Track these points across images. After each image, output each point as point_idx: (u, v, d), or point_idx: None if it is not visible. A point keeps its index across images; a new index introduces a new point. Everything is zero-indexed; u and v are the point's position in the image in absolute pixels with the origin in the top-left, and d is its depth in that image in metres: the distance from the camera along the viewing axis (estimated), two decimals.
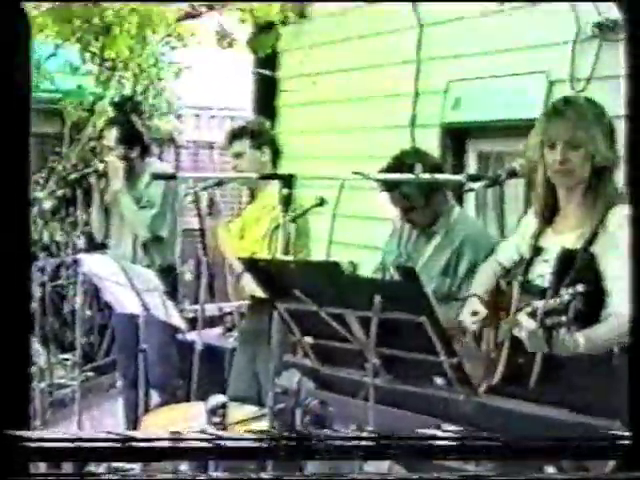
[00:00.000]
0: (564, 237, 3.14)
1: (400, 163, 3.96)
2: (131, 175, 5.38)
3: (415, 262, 4.03)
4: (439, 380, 2.67)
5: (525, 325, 2.82)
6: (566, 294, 2.66)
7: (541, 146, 3.14)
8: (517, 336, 2.95)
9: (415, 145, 5.64)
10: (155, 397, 5.30)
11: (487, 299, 3.31)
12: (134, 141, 5.47)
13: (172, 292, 4.45)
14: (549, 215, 3.25)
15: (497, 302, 3.27)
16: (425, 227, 4.09)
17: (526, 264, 3.20)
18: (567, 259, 3.05)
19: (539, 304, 2.73)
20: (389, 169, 3.97)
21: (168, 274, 5.26)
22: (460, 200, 5.49)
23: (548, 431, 2.65)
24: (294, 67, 6.96)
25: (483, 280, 3.44)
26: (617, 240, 2.99)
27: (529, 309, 2.80)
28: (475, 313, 3.24)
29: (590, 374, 2.97)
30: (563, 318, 2.65)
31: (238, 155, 4.71)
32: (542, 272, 3.13)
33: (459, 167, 5.65)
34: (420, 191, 3.92)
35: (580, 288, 2.67)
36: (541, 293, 2.99)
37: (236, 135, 4.75)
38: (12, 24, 2.23)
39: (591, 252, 3.03)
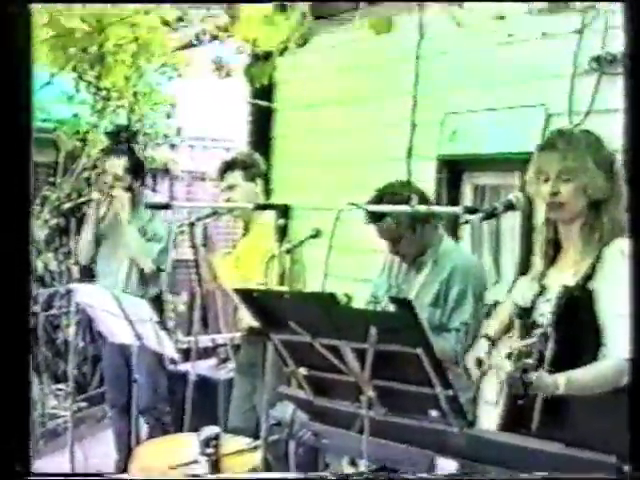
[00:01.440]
0: (564, 275, 3.11)
1: (386, 194, 4.01)
2: (135, 206, 5.43)
3: (406, 294, 4.04)
4: (434, 412, 2.65)
5: (502, 367, 2.83)
6: (534, 335, 2.68)
7: (536, 180, 3.15)
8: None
9: (410, 177, 5.72)
10: (144, 426, 5.30)
11: (496, 339, 3.29)
12: (139, 171, 5.55)
13: (162, 322, 4.46)
14: (552, 253, 3.23)
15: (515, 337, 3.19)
16: (414, 258, 4.12)
17: (531, 304, 3.15)
18: (566, 297, 3.02)
19: (515, 345, 2.73)
20: (376, 200, 4.01)
21: (158, 304, 5.28)
22: (455, 233, 5.56)
23: (544, 465, 2.64)
24: (290, 98, 7.01)
25: (499, 319, 3.38)
26: (614, 276, 2.97)
27: (508, 351, 2.80)
28: (480, 362, 3.20)
29: (590, 412, 2.94)
30: (529, 360, 2.67)
31: (231, 187, 4.74)
32: (544, 311, 3.09)
33: (455, 199, 5.68)
34: (407, 222, 3.96)
35: (549, 329, 2.70)
36: (541, 335, 2.95)
37: (228, 167, 4.78)
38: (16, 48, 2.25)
39: (589, 289, 3.00)
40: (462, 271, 4.01)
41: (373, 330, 2.59)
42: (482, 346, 3.28)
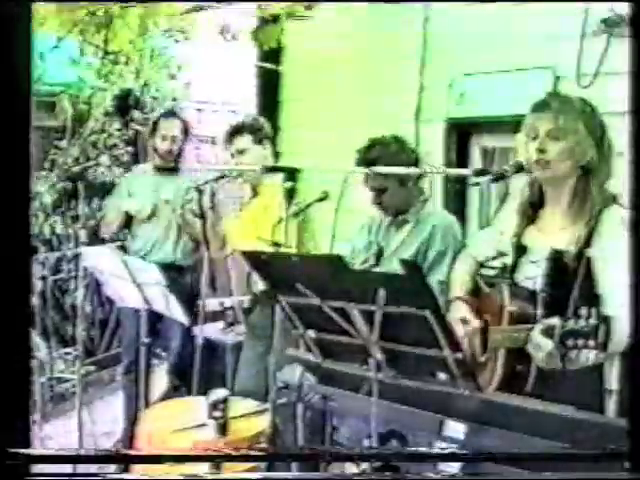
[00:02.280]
0: (553, 237, 3.10)
1: (377, 144, 4.11)
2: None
3: (384, 250, 4.12)
4: (442, 375, 2.65)
5: (542, 345, 2.79)
6: (591, 317, 2.61)
7: (526, 138, 3.14)
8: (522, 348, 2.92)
9: (419, 139, 5.69)
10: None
11: (471, 302, 3.27)
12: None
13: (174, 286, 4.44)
14: (532, 212, 3.22)
15: (482, 304, 3.22)
16: (395, 215, 4.17)
17: (511, 264, 3.15)
18: (559, 261, 3.02)
19: (555, 322, 2.68)
20: (366, 149, 4.10)
21: (171, 268, 5.28)
22: (463, 195, 5.54)
23: (553, 428, 2.63)
24: (298, 61, 6.95)
25: (463, 279, 3.39)
26: (613, 244, 2.96)
27: (543, 327, 2.77)
28: (465, 321, 3.18)
29: (581, 374, 2.92)
30: (591, 342, 2.61)
31: (241, 151, 4.73)
32: (531, 274, 3.09)
33: (463, 162, 5.66)
34: (396, 175, 3.96)
35: (603, 311, 2.64)
36: (530, 296, 2.98)
37: (237, 131, 4.78)
38: (14, 16, 2.23)
39: (587, 255, 2.98)
40: (442, 232, 4.08)
41: (381, 292, 2.58)
42: (460, 308, 3.24)
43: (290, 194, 3.63)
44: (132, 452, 2.25)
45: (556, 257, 3.02)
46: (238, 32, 7.76)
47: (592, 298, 2.92)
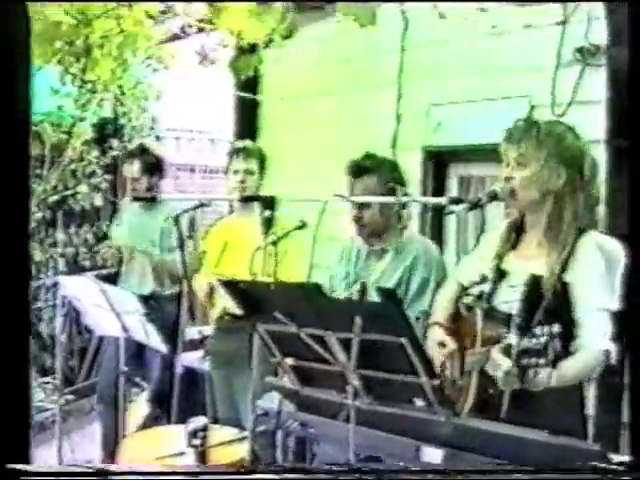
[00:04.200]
0: (531, 263, 3.12)
1: (363, 159, 4.14)
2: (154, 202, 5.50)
3: (366, 280, 4.10)
4: (419, 401, 2.68)
5: (499, 363, 2.82)
6: (542, 335, 2.65)
7: (502, 167, 3.18)
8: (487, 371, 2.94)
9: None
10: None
11: (449, 326, 3.28)
12: (155, 170, 5.59)
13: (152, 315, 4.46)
14: (514, 238, 3.25)
15: (460, 328, 3.24)
16: (375, 244, 4.16)
17: (490, 289, 3.17)
18: (536, 287, 3.04)
19: (513, 340, 2.70)
20: (353, 164, 4.12)
21: (149, 297, 5.31)
22: (440, 224, 5.58)
23: (529, 453, 2.66)
24: (275, 90, 7.01)
25: (444, 305, 3.40)
26: (590, 270, 3.01)
27: (502, 345, 2.79)
28: (442, 344, 3.19)
29: (560, 402, 3.00)
30: (542, 360, 2.64)
31: (248, 172, 4.76)
32: (508, 299, 3.10)
33: (440, 190, 5.70)
34: (371, 206, 4.02)
35: (556, 328, 2.65)
36: (506, 320, 2.98)
37: (249, 153, 4.81)
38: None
39: (563, 281, 3.02)
40: (425, 260, 4.06)
41: (358, 320, 2.61)
42: (438, 332, 3.25)
43: (267, 223, 3.66)
44: (127, 468, 2.27)
45: (533, 282, 3.05)
46: (216, 61, 7.80)
47: (569, 323, 2.96)
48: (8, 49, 2.27)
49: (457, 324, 3.30)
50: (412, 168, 5.70)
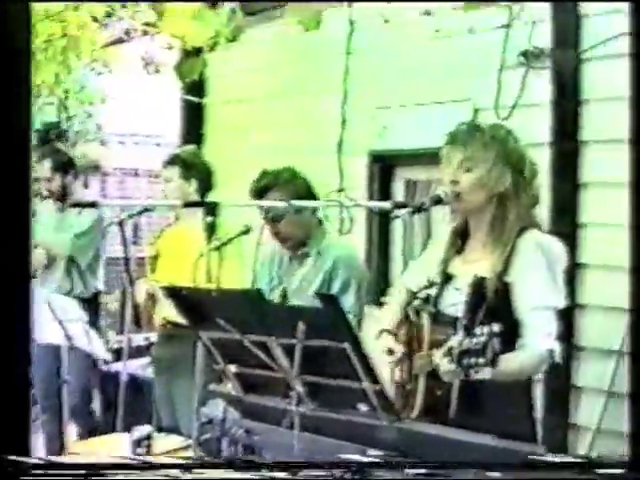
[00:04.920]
0: (475, 265, 3.15)
1: (269, 175, 4.19)
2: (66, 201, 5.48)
3: (288, 285, 4.18)
4: (363, 407, 2.70)
5: (441, 366, 2.84)
6: (482, 334, 2.67)
7: (444, 170, 3.20)
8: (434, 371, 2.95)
9: (342, 172, 5.76)
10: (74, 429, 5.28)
11: (399, 331, 3.28)
12: (68, 168, 5.57)
13: (95, 322, 4.44)
14: (460, 242, 3.28)
15: (408, 333, 3.24)
16: (296, 249, 4.23)
17: (436, 293, 3.21)
18: (480, 288, 3.07)
19: (454, 342, 2.73)
20: (258, 179, 4.18)
21: (92, 303, 5.28)
22: (387, 228, 5.60)
23: (474, 457, 2.68)
24: (221, 93, 6.98)
25: (392, 311, 3.40)
26: (530, 269, 3.05)
27: (444, 348, 2.81)
28: (390, 352, 3.18)
29: (507, 401, 3.04)
30: (481, 360, 2.66)
31: (167, 181, 4.82)
32: (454, 301, 3.14)
33: (387, 194, 5.73)
34: (284, 209, 4.02)
35: (496, 328, 2.67)
36: (453, 323, 3.01)
37: (169, 162, 4.86)
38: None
39: (505, 281, 3.05)
40: (345, 262, 4.14)
41: (301, 326, 2.63)
42: (386, 339, 3.25)
43: (210, 229, 3.65)
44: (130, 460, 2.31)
45: (477, 284, 3.08)
46: (161, 65, 7.76)
47: (512, 323, 3.01)
48: (8, 49, 2.26)
49: (406, 329, 3.30)
50: (358, 172, 5.78)
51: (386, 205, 3.43)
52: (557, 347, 3.04)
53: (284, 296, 4.13)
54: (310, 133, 6.08)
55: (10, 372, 2.23)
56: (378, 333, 3.32)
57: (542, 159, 4.46)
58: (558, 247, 3.13)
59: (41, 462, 2.29)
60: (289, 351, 2.70)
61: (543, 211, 4.31)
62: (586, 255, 4.49)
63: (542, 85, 4.69)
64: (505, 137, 3.19)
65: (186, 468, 2.43)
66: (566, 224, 4.50)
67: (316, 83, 6.06)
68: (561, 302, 3.09)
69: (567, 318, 4.29)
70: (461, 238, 3.28)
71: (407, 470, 2.55)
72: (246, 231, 3.96)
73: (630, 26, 3.29)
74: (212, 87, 7.12)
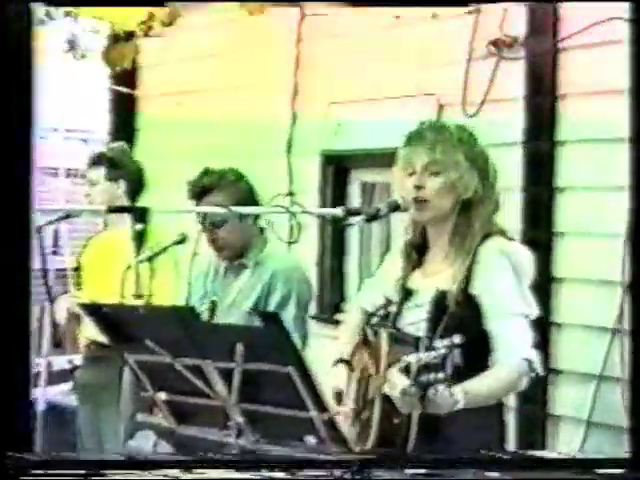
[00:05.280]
0: (436, 279, 3.18)
1: (208, 175, 4.22)
2: None
3: (223, 300, 4.18)
4: (311, 439, 2.70)
5: (396, 383, 2.83)
6: (441, 347, 2.69)
7: (402, 175, 3.22)
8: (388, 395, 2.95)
9: (292, 174, 5.77)
10: None
11: (353, 357, 3.29)
12: None
13: None
14: (417, 255, 3.30)
15: (365, 357, 3.24)
16: (233, 259, 4.24)
17: (396, 310, 3.23)
18: (443, 303, 3.10)
19: (412, 358, 2.73)
20: (197, 180, 4.20)
21: None
22: (342, 236, 5.62)
23: None
24: (157, 84, 6.96)
25: (349, 335, 3.40)
26: (496, 276, 3.09)
27: (401, 364, 2.79)
28: (339, 396, 3.17)
29: (475, 429, 3.04)
30: (440, 375, 2.67)
31: (92, 184, 4.78)
32: (415, 319, 3.17)
33: (342, 198, 5.76)
34: (226, 214, 4.01)
35: (457, 339, 2.68)
36: (415, 343, 2.99)
37: (94, 162, 4.84)
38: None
39: (469, 293, 3.09)
40: (285, 274, 4.16)
41: (240, 347, 2.64)
42: (339, 374, 3.25)
43: (140, 237, 3.64)
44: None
45: (439, 298, 3.12)
46: (87, 50, 7.72)
47: (481, 339, 3.06)
48: (9, 50, 2.35)
49: (363, 352, 3.31)
50: (309, 174, 5.82)
51: (337, 212, 3.44)
52: (535, 356, 3.08)
53: (212, 311, 4.12)
54: (256, 130, 6.08)
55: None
56: (333, 363, 3.34)
57: (513, 160, 4.56)
58: (524, 254, 3.18)
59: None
60: (227, 376, 2.70)
61: (513, 218, 4.43)
62: (563, 268, 4.55)
63: (515, 78, 4.74)
64: (472, 137, 3.24)
65: (186, 468, 2.47)
66: (540, 233, 4.57)
67: (262, 74, 6.07)
68: (533, 311, 3.13)
69: (541, 338, 4.35)
70: (419, 250, 3.31)
71: (407, 470, 2.56)
72: (181, 240, 3.96)
73: (630, 27, 3.34)
74: (145, 77, 7.10)
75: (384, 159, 5.35)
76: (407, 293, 3.25)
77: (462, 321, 3.05)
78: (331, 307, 5.58)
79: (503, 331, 3.07)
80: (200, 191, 4.18)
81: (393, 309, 3.25)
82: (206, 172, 4.24)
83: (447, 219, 3.20)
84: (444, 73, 5.05)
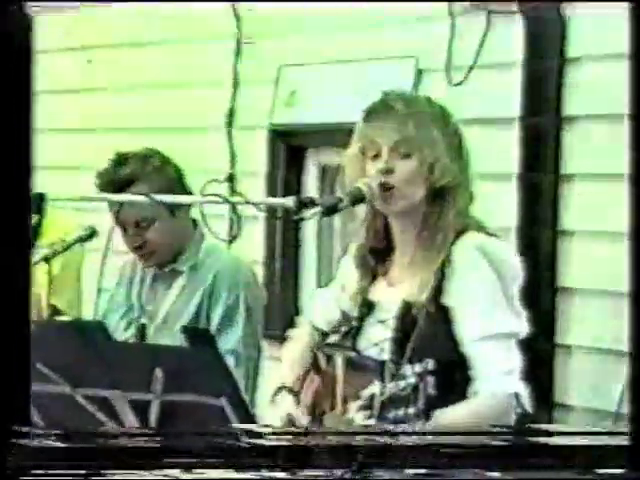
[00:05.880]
0: (402, 287, 3.16)
1: (130, 161, 4.16)
2: None
3: (153, 315, 4.14)
4: None
5: (356, 422, 2.83)
6: (411, 374, 2.70)
7: (361, 157, 3.19)
8: None
9: (234, 153, 5.73)
10: None
11: (301, 387, 3.27)
12: None
13: None
14: (378, 259, 3.27)
15: (318, 387, 3.23)
16: (162, 265, 4.21)
17: (354, 329, 3.20)
18: (411, 317, 3.06)
19: (375, 390, 2.73)
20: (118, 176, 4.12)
21: None
22: (295, 231, 5.59)
23: None
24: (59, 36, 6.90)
25: (294, 359, 3.38)
26: (470, 284, 3.06)
27: (362, 399, 2.81)
28: (291, 422, 3.15)
29: None
30: (410, 410, 2.68)
31: None
32: (378, 338, 3.13)
33: (296, 184, 5.77)
34: (154, 209, 4.01)
35: (430, 364, 2.71)
36: (379, 369, 2.99)
37: None
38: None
39: (441, 304, 3.06)
40: (229, 279, 4.14)
41: (159, 374, 2.62)
42: (286, 400, 3.22)
43: (34, 231, 3.59)
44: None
45: (406, 312, 3.08)
46: None
47: (456, 362, 3.01)
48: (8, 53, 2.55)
49: (314, 381, 3.29)
50: (255, 154, 5.80)
51: (289, 203, 3.39)
52: (522, 389, 3.06)
53: (142, 331, 4.08)
54: (187, 98, 6.07)
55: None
56: (275, 391, 3.31)
57: (509, 140, 4.54)
58: (508, 252, 3.21)
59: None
60: (142, 410, 2.69)
61: (508, 213, 4.41)
62: (571, 276, 4.52)
63: (511, 37, 4.72)
64: (447, 112, 3.24)
65: (186, 468, 2.49)
66: (542, 231, 4.56)
67: (198, 25, 6.03)
68: (521, 327, 3.11)
69: (544, 365, 4.33)
70: (380, 252, 3.28)
71: (407, 470, 2.54)
72: (88, 235, 3.92)
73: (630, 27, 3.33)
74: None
75: (348, 137, 5.41)
76: (368, 306, 3.23)
77: (435, 340, 3.02)
78: (282, 321, 5.52)
79: (482, 355, 3.03)
80: (115, 184, 4.09)
81: (351, 326, 3.23)
82: (121, 159, 4.19)
83: (416, 211, 3.17)
84: (424, 30, 5.02)
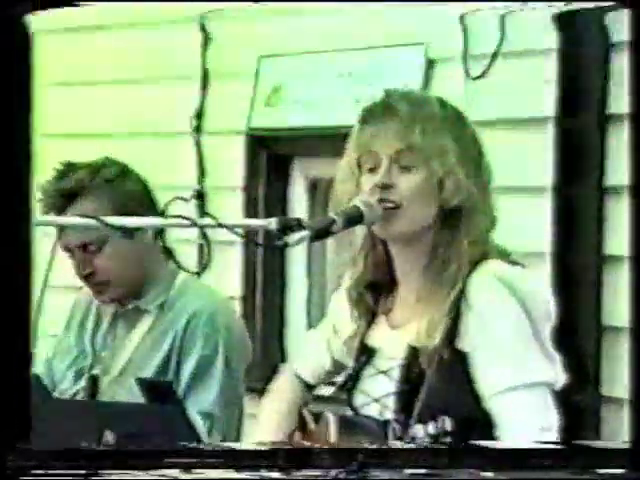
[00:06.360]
0: (408, 330, 3.14)
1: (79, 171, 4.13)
2: None
3: (108, 364, 4.12)
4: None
5: None
6: (424, 436, 2.71)
7: (356, 169, 3.16)
8: None
9: (202, 162, 5.71)
10: None
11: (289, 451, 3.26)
12: None
13: None
14: (380, 294, 3.25)
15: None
16: (124, 301, 4.18)
17: (350, 382, 3.21)
18: (419, 366, 3.05)
19: None
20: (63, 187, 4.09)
21: None
22: (279, 259, 5.56)
23: None
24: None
25: (277, 419, 3.37)
26: (492, 325, 3.03)
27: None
28: None
29: None
30: None
31: None
32: (379, 393, 3.14)
33: (281, 201, 5.79)
34: (104, 229, 3.90)
35: (448, 425, 2.71)
36: (381, 430, 2.98)
37: None
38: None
39: (457, 350, 3.03)
40: (207, 322, 4.08)
41: (109, 436, 2.62)
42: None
43: None
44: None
45: (413, 360, 3.07)
46: None
47: (475, 420, 2.99)
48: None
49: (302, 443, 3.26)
50: (229, 164, 5.82)
51: (271, 225, 3.31)
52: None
53: (93, 385, 4.04)
54: (151, 94, 6.08)
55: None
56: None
57: (542, 145, 4.52)
58: (537, 284, 3.19)
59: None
60: None
61: (541, 234, 4.38)
62: (619, 313, 4.40)
63: (541, 22, 4.70)
64: (458, 116, 3.21)
65: (185, 468, 2.59)
66: (582, 258, 4.55)
67: (166, 11, 5.96)
68: (557, 375, 3.07)
69: (588, 421, 4.29)
70: (380, 287, 3.25)
71: (405, 470, 2.58)
72: None
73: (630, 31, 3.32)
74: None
75: (343, 144, 5.37)
76: (366, 353, 3.22)
77: (450, 394, 3.01)
78: (264, 370, 5.50)
79: (510, 410, 3.02)
80: (57, 199, 4.07)
81: (346, 378, 3.26)
82: (67, 169, 4.16)
83: (423, 237, 3.15)
84: (435, 11, 4.94)
